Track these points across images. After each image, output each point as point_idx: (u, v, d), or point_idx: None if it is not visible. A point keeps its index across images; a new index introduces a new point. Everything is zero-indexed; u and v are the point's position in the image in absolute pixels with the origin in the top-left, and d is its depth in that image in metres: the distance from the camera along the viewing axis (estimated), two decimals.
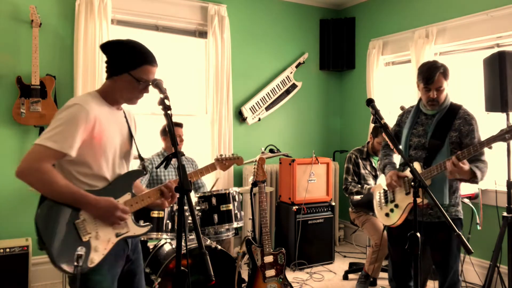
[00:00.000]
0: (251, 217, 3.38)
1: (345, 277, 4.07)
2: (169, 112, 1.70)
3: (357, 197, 3.83)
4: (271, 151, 4.15)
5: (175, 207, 3.07)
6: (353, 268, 4.16)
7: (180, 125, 3.72)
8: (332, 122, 5.50)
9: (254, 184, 3.15)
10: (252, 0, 4.84)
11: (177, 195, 1.65)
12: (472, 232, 3.67)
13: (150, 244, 3.34)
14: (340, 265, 4.46)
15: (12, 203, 3.67)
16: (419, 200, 2.34)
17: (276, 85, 4.97)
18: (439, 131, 2.52)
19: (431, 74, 2.47)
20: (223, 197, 3.25)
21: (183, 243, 1.59)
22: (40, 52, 3.64)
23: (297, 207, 4.32)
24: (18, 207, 3.69)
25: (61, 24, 3.87)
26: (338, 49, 5.25)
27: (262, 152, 3.63)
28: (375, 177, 4.02)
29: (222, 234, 3.31)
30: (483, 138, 2.35)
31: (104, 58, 1.89)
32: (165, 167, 1.82)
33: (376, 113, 2.27)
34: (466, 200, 3.58)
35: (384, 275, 3.91)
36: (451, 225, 1.85)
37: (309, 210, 4.38)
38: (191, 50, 4.60)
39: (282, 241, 4.51)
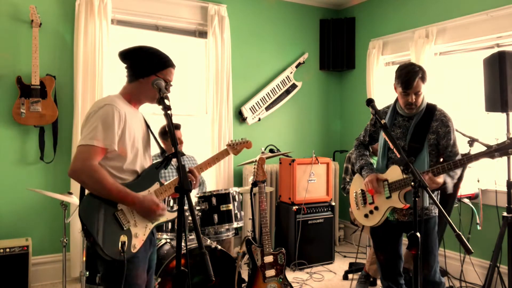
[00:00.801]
0: (251, 217, 3.37)
1: (345, 277, 4.07)
2: (169, 112, 1.72)
3: None
4: (271, 151, 4.15)
5: (175, 207, 3.07)
6: (353, 268, 4.16)
7: (178, 127, 3.64)
8: (332, 122, 5.50)
9: (254, 184, 3.15)
10: (252, 0, 4.84)
11: (199, 181, 1.73)
12: (472, 232, 3.67)
13: None
14: (340, 265, 4.46)
15: (12, 203, 3.67)
16: (403, 205, 2.38)
17: (276, 85, 4.97)
18: (418, 134, 2.52)
19: (410, 80, 2.43)
20: (223, 197, 3.25)
21: (183, 243, 1.60)
22: (40, 52, 3.64)
23: (297, 207, 4.32)
24: (18, 207, 3.69)
25: (61, 24, 3.87)
26: (338, 49, 5.25)
27: (262, 152, 3.63)
28: None
29: (222, 234, 3.31)
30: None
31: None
32: (165, 167, 1.86)
33: (376, 113, 2.27)
34: (466, 200, 3.58)
35: None
36: (451, 225, 1.85)
37: (309, 210, 4.38)
38: (191, 50, 4.60)
39: (282, 241, 4.51)
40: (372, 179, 2.58)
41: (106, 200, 1.83)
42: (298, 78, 5.14)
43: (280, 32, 5.04)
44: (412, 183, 1.95)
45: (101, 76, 3.87)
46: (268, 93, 4.90)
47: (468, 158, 2.28)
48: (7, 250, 3.33)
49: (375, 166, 2.74)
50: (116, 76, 4.02)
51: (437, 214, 2.61)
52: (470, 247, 1.81)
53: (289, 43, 5.11)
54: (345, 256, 4.76)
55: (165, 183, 2.04)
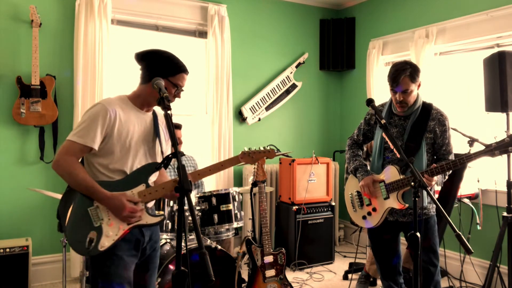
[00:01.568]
0: (251, 217, 3.37)
1: (345, 277, 4.07)
2: (169, 112, 1.72)
3: None
4: None
5: (175, 207, 3.07)
6: (353, 268, 4.16)
7: (178, 126, 3.65)
8: (332, 122, 5.50)
9: (254, 184, 3.15)
10: (252, 0, 4.84)
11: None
12: (472, 232, 3.67)
13: None
14: (340, 265, 4.46)
15: (12, 203, 3.67)
16: (401, 206, 2.38)
17: (276, 85, 4.97)
18: (415, 134, 2.51)
19: (396, 77, 2.42)
20: (223, 197, 3.25)
21: (183, 243, 1.60)
22: (40, 52, 3.64)
23: (297, 207, 4.32)
24: (18, 207, 3.69)
25: (61, 24, 3.87)
26: (338, 49, 5.25)
27: None
28: None
29: (222, 234, 3.31)
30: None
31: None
32: (165, 167, 1.85)
33: (376, 113, 2.26)
34: (466, 200, 3.58)
35: None
36: (451, 225, 1.85)
37: (309, 210, 4.38)
38: (191, 50, 4.60)
39: (282, 241, 4.51)
40: (368, 183, 2.56)
41: (84, 195, 1.87)
42: (298, 78, 5.14)
43: (280, 32, 5.04)
44: (412, 183, 1.95)
45: (101, 76, 3.86)
46: (268, 93, 4.90)
47: (468, 157, 2.28)
48: (7, 250, 3.33)
49: (369, 167, 2.73)
50: (116, 76, 4.03)
51: (435, 212, 2.61)
52: (470, 247, 1.81)
53: (289, 43, 5.11)
54: (345, 256, 4.76)
55: (154, 185, 2.00)
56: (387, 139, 2.45)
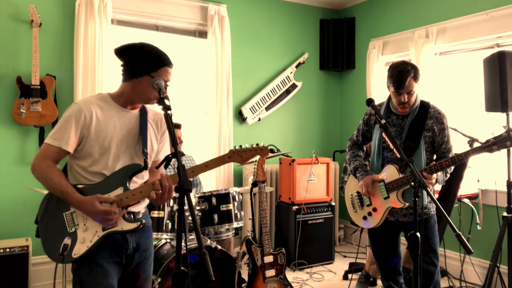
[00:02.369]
0: (251, 217, 3.38)
1: (345, 277, 4.07)
2: (169, 112, 1.69)
3: None
4: (271, 151, 4.15)
5: (175, 207, 3.07)
6: (353, 268, 4.16)
7: (178, 126, 3.65)
8: (332, 122, 5.49)
9: (254, 184, 3.15)
10: (252, 0, 4.84)
11: (174, 193, 1.66)
12: (472, 232, 3.67)
13: None
14: (340, 265, 4.46)
15: (12, 203, 3.67)
16: (402, 205, 2.38)
17: (276, 85, 4.96)
18: (413, 133, 2.51)
19: (402, 79, 2.41)
20: (223, 197, 3.25)
21: (183, 243, 1.59)
22: (40, 52, 3.63)
23: (297, 207, 4.32)
24: (18, 207, 3.69)
25: (61, 24, 3.87)
26: (338, 49, 5.25)
27: None
28: None
29: (222, 234, 3.31)
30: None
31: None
32: (165, 167, 1.81)
33: (376, 113, 2.26)
34: (466, 200, 3.58)
35: None
36: (451, 225, 1.85)
37: (309, 210, 4.38)
38: (191, 50, 4.60)
39: (282, 241, 4.51)
40: (368, 182, 2.56)
41: (61, 200, 1.80)
42: (298, 78, 5.14)
43: (280, 32, 5.04)
44: (412, 183, 1.95)
45: (101, 76, 3.87)
46: (268, 93, 4.90)
47: (466, 154, 2.28)
48: (7, 250, 3.33)
49: (369, 167, 2.73)
50: (116, 76, 4.02)
51: (435, 212, 2.61)
52: (470, 247, 1.81)
53: (289, 43, 5.11)
54: (345, 256, 4.76)
55: (132, 189, 1.86)
56: (387, 139, 2.45)
